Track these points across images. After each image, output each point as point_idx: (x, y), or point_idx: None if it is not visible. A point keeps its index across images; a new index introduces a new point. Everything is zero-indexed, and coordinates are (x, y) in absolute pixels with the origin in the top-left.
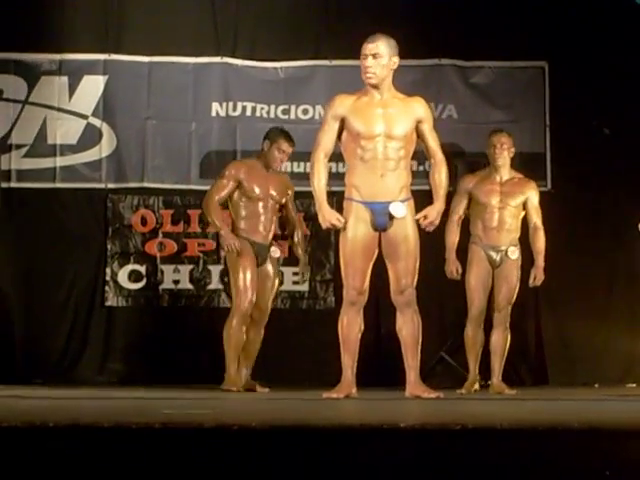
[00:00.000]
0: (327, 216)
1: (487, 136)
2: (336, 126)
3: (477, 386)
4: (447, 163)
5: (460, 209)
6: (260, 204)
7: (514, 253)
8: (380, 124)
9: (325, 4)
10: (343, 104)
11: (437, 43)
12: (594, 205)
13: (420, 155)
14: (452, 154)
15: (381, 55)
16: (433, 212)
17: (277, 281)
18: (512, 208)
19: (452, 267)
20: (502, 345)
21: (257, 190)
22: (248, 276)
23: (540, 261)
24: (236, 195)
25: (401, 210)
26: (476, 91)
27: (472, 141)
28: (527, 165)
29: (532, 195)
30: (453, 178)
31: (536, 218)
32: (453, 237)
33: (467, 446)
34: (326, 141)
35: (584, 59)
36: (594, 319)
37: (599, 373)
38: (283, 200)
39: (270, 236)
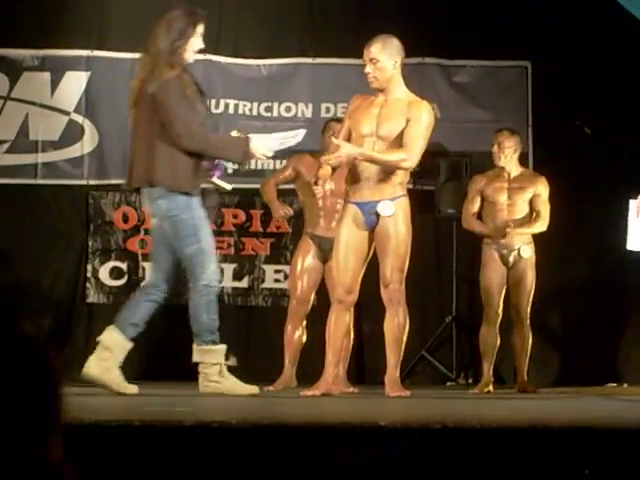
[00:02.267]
0: None
1: (473, 137)
2: (347, 125)
3: (491, 387)
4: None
5: (473, 207)
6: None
7: (527, 252)
8: (371, 124)
9: (309, 2)
10: (353, 103)
11: (420, 41)
12: (577, 205)
13: None
14: (435, 153)
15: (377, 59)
16: (346, 147)
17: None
18: (521, 205)
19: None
20: (524, 345)
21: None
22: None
23: (522, 229)
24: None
25: (388, 209)
26: (459, 90)
27: (455, 140)
28: None
29: (540, 188)
30: (436, 176)
31: (542, 209)
32: (477, 225)
33: (447, 445)
34: (341, 138)
35: (567, 59)
36: (576, 317)
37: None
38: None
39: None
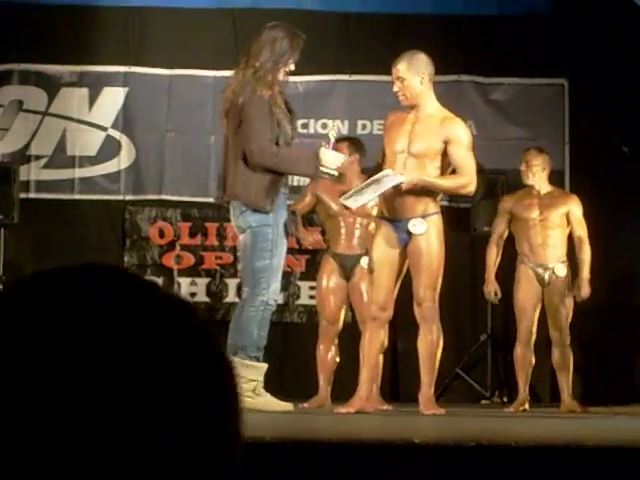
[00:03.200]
0: None
1: (509, 155)
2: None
3: (527, 405)
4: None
5: (500, 229)
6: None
7: (562, 270)
8: (403, 141)
9: (345, 19)
10: (388, 120)
11: (456, 59)
12: (613, 223)
13: None
14: None
15: (404, 77)
16: (412, 176)
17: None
18: (554, 220)
19: (490, 288)
20: (566, 364)
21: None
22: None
23: (585, 273)
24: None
25: (420, 227)
26: (495, 108)
27: (491, 158)
28: None
29: (574, 208)
30: (475, 194)
31: (580, 231)
32: (493, 257)
33: (481, 462)
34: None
35: (604, 77)
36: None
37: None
38: None
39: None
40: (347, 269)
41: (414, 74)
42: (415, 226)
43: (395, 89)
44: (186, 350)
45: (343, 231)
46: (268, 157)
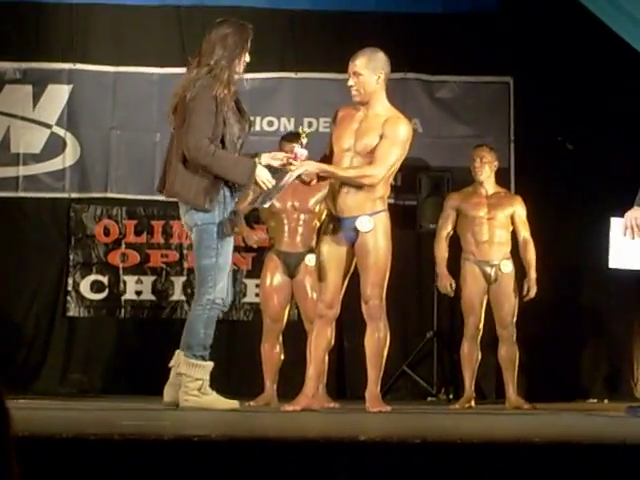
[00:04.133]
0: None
1: (455, 152)
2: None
3: (473, 402)
4: (412, 178)
5: (448, 225)
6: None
7: (507, 266)
8: (350, 139)
9: (291, 17)
10: (337, 115)
11: (402, 57)
12: (558, 220)
13: None
14: (417, 168)
15: (360, 73)
16: (309, 165)
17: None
18: (500, 220)
19: (445, 282)
20: (512, 360)
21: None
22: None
23: (532, 273)
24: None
25: (367, 225)
26: (441, 106)
27: (437, 155)
28: None
29: (519, 209)
30: (417, 192)
31: (525, 232)
32: (443, 252)
33: (427, 460)
34: (328, 151)
35: (549, 75)
36: (560, 329)
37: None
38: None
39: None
40: (291, 267)
41: (371, 71)
42: (362, 224)
43: (350, 83)
44: None
45: (286, 229)
46: (203, 155)
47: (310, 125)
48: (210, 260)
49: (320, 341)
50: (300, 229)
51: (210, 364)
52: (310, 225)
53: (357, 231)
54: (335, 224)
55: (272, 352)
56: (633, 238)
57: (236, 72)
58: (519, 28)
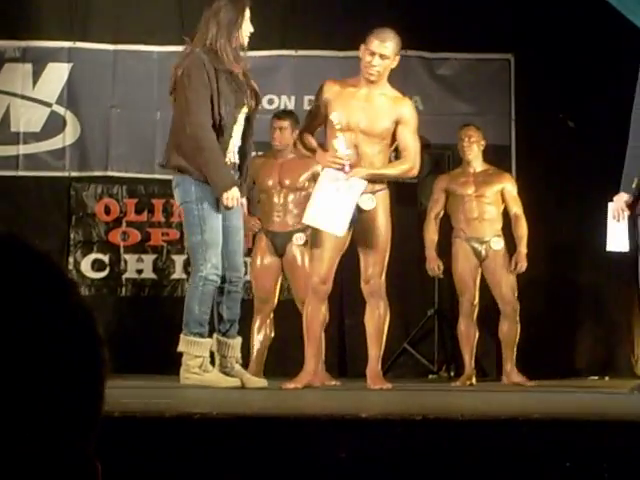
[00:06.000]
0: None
1: (456, 130)
2: (321, 111)
3: (473, 380)
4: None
5: (437, 207)
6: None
7: (498, 244)
8: (352, 117)
9: None
10: (330, 90)
11: (403, 34)
12: (559, 198)
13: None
14: None
15: (388, 57)
16: (362, 172)
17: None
18: (489, 196)
19: (433, 264)
20: (513, 337)
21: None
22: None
23: (522, 248)
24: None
25: (369, 203)
26: (442, 83)
27: (437, 133)
28: (492, 157)
29: (509, 185)
30: (421, 170)
31: (516, 207)
32: (432, 235)
33: (428, 436)
34: (307, 126)
35: (550, 52)
36: (559, 308)
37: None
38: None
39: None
40: (280, 246)
41: (394, 56)
42: (364, 202)
43: (374, 64)
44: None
45: (276, 208)
46: (201, 136)
47: (311, 103)
48: (196, 237)
49: (315, 319)
50: (289, 207)
51: (209, 341)
52: (300, 203)
53: (357, 209)
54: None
55: (261, 332)
56: (618, 221)
57: (239, 44)
58: (520, 4)
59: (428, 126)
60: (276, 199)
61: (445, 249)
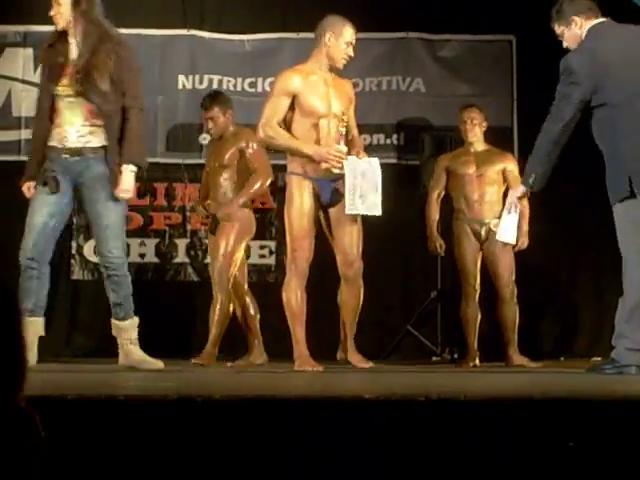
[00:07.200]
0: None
1: (458, 111)
2: (287, 102)
3: (477, 361)
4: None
5: (438, 186)
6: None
7: (497, 225)
8: (323, 103)
9: None
10: (295, 80)
11: (404, 16)
12: (560, 180)
13: (388, 128)
14: (419, 128)
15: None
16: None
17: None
18: (490, 176)
19: (435, 243)
20: (513, 319)
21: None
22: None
23: (524, 225)
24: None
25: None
26: (443, 65)
27: (440, 114)
28: (494, 139)
29: (510, 165)
30: (420, 151)
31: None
32: (434, 214)
33: (431, 417)
34: (272, 115)
35: (552, 33)
36: (561, 292)
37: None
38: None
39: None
40: (214, 225)
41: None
42: (341, 186)
43: (350, 53)
44: None
45: (214, 188)
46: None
47: None
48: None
49: (305, 301)
50: (225, 184)
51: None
52: (231, 180)
53: (335, 193)
54: (311, 184)
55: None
56: (509, 213)
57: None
58: None
59: (430, 108)
60: (214, 180)
61: (447, 231)
